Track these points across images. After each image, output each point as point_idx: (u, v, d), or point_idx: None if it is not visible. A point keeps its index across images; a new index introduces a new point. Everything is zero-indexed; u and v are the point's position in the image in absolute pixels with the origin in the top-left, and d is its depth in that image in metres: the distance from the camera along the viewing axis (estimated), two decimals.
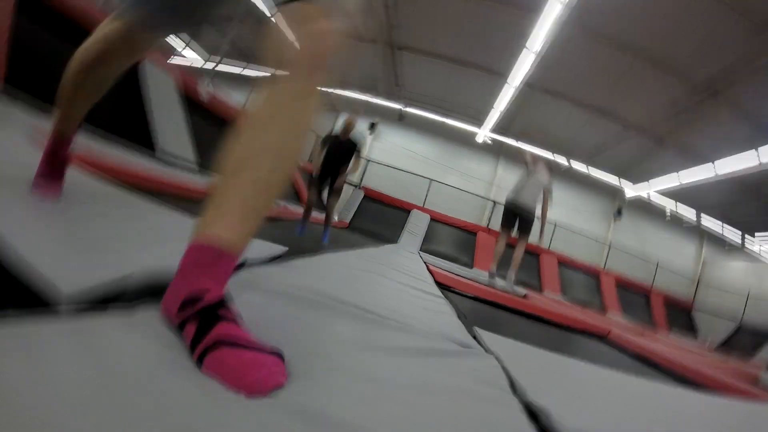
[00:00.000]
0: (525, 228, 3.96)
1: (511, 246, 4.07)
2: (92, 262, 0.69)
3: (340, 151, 3.58)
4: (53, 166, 1.04)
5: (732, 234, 12.49)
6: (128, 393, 0.39)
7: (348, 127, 3.61)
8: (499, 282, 3.87)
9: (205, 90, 4.53)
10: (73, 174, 1.48)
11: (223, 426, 0.39)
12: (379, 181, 11.18)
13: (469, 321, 1.47)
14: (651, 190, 11.38)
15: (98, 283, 0.61)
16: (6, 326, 0.42)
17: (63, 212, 0.97)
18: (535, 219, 4.01)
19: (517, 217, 3.96)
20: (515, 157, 12.47)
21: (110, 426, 0.33)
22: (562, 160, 11.83)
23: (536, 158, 4.11)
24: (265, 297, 0.93)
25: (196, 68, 11.73)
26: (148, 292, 0.69)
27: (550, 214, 4.16)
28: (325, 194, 3.85)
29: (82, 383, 0.38)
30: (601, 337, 3.03)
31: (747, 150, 8.15)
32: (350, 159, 3.62)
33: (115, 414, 0.35)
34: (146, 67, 3.51)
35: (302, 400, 0.48)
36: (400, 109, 12.00)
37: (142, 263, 0.75)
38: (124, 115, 3.29)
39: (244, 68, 12.47)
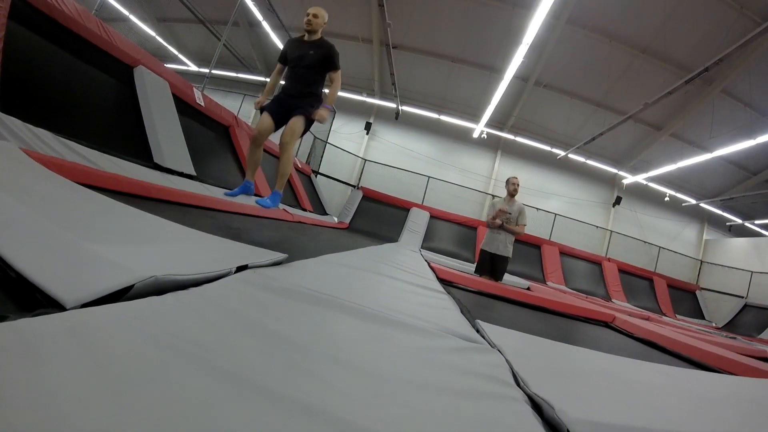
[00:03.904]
0: (500, 271, 4.13)
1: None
2: (92, 264, 0.70)
3: (305, 58, 2.35)
4: None
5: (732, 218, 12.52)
6: (128, 391, 0.39)
7: (314, 20, 2.40)
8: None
9: (199, 95, 4.52)
10: (70, 183, 1.48)
11: (224, 422, 0.39)
12: (377, 181, 11.18)
13: (472, 315, 1.47)
14: (649, 173, 11.37)
15: (99, 283, 0.62)
16: (8, 326, 0.43)
17: (62, 218, 0.97)
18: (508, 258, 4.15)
19: (492, 262, 4.15)
20: (512, 149, 12.47)
21: (111, 424, 0.34)
22: (559, 151, 11.82)
23: (514, 187, 4.13)
24: (268, 295, 0.93)
25: (190, 72, 11.72)
26: (149, 292, 0.70)
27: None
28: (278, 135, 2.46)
29: (83, 381, 0.38)
30: (606, 323, 3.03)
31: (745, 139, 8.16)
32: (323, 72, 2.41)
33: (115, 412, 0.35)
34: (141, 72, 3.51)
35: (305, 397, 0.49)
36: (396, 108, 11.99)
37: (141, 265, 0.75)
38: (119, 121, 3.29)
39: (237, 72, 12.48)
